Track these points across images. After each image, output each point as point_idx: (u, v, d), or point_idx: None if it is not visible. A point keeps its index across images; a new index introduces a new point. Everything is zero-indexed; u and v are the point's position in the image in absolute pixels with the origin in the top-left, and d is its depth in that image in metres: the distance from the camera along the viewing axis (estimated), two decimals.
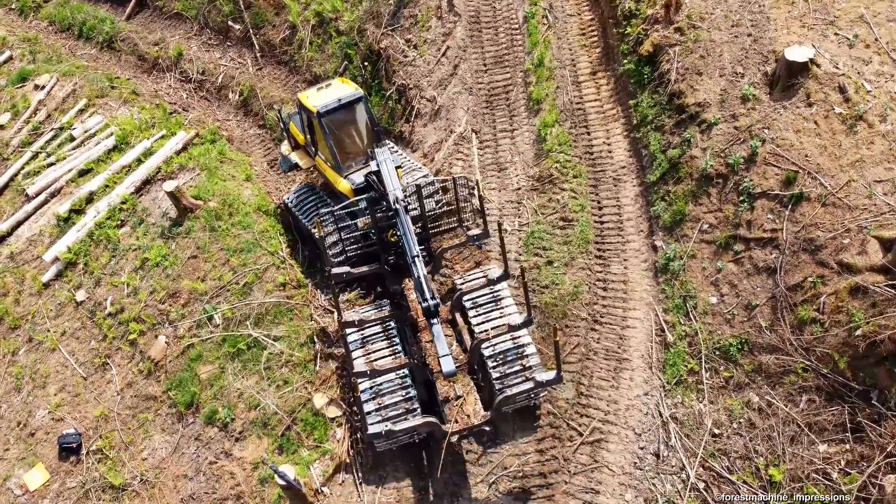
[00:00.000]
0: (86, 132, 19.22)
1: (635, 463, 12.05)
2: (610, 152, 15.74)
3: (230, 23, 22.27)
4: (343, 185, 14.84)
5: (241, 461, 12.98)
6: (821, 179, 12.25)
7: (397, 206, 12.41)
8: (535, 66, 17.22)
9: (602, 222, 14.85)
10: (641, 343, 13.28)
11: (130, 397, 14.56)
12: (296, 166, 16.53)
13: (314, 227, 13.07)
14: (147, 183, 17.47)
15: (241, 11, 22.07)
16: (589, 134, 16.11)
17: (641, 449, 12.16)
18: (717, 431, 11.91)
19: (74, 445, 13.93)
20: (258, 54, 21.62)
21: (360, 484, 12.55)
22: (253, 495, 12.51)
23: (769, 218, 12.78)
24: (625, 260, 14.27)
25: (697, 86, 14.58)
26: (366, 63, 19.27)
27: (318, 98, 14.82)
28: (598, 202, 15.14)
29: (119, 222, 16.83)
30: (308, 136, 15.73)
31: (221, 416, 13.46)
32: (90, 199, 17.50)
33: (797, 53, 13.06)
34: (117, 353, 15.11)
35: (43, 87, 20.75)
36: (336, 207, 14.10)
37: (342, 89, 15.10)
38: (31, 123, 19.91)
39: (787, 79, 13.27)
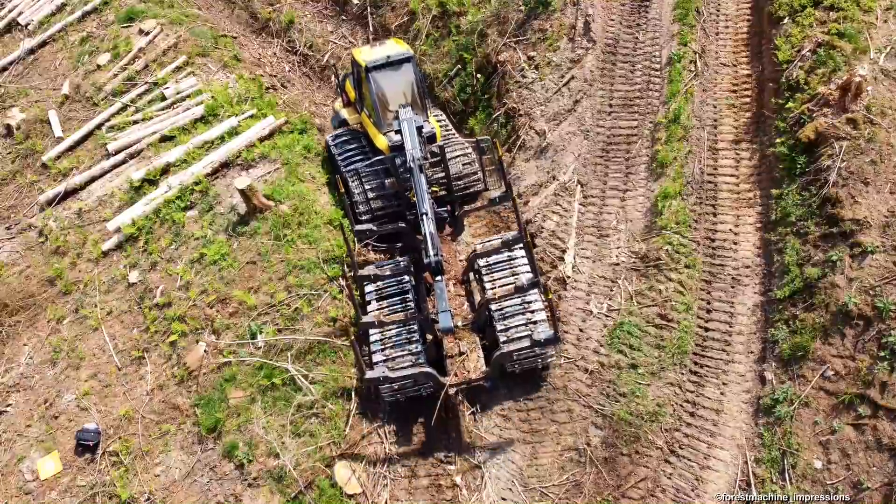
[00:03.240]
0: (178, 94, 18.25)
1: None
2: (735, 245, 13.39)
3: None
4: (381, 140, 14.99)
5: None
6: None
7: (412, 164, 13.00)
8: (669, 120, 14.84)
9: (707, 330, 12.66)
10: (720, 491, 11.22)
11: (158, 402, 13.71)
12: (344, 122, 16.85)
13: (344, 174, 14.73)
14: (225, 166, 16.36)
15: None
16: (715, 216, 13.77)
17: None
18: None
19: (91, 444, 13.26)
20: (370, 36, 20.00)
21: None
22: None
23: None
24: (724, 384, 12.10)
25: (860, 198, 12.00)
26: (479, 74, 17.33)
27: (369, 54, 15.16)
28: (708, 304, 12.92)
29: (188, 203, 15.85)
30: (357, 92, 16.04)
31: (240, 454, 12.40)
32: (166, 169, 16.60)
33: None
34: (155, 350, 14.26)
35: (147, 34, 19.89)
36: (361, 165, 15.05)
37: (394, 48, 15.37)
38: (127, 71, 19.11)
39: None
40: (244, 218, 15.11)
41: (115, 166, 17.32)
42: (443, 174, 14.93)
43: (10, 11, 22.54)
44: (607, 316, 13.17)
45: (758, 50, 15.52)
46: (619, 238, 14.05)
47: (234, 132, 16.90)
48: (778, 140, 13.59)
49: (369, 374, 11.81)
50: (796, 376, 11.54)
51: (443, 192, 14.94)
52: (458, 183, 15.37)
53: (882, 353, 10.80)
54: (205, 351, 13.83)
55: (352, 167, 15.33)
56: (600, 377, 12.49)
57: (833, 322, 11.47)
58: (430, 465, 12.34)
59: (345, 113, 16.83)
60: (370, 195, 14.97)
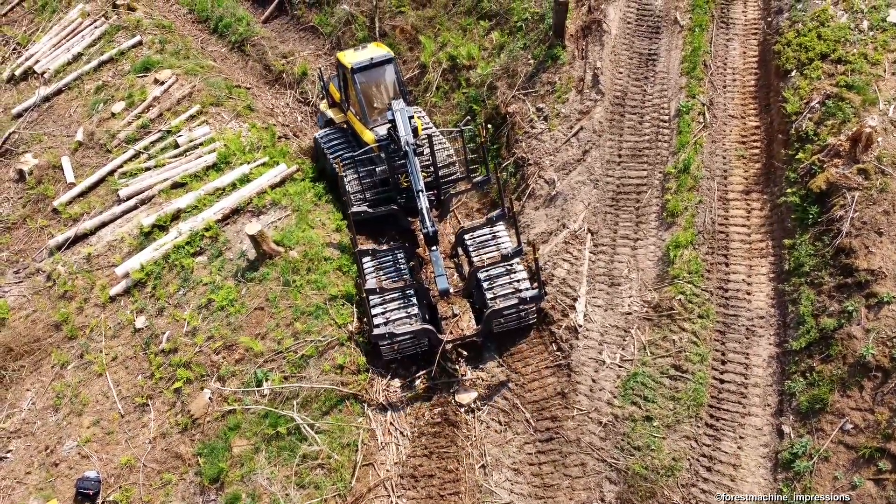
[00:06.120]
0: (191, 142, 18.45)
1: None
2: (748, 295, 13.23)
3: None
4: (368, 135, 16.08)
5: None
6: None
7: (407, 148, 14.08)
8: (679, 170, 14.88)
9: (722, 381, 12.40)
10: None
11: (160, 450, 13.43)
12: (330, 121, 17.97)
13: (336, 164, 15.36)
14: (236, 212, 16.43)
15: (374, 39, 20.83)
16: (727, 266, 13.66)
17: None
18: None
19: (91, 493, 12.93)
20: None
21: None
22: None
23: None
24: (741, 437, 11.78)
25: (874, 248, 11.90)
26: (489, 125, 17.49)
27: (353, 56, 16.28)
28: (723, 355, 12.69)
29: (198, 249, 15.84)
30: (343, 93, 17.14)
31: None
32: (176, 215, 16.65)
33: None
34: (159, 397, 14.05)
35: (162, 83, 20.24)
36: (356, 153, 15.96)
37: (375, 51, 16.51)
38: (141, 119, 19.37)
39: None
40: (253, 264, 15.07)
41: (126, 212, 17.40)
42: (429, 161, 15.79)
43: (27, 60, 23.02)
44: (620, 366, 12.94)
45: (766, 102, 15.67)
46: (631, 287, 13.91)
47: (245, 179, 17.02)
48: (789, 190, 13.58)
49: (376, 331, 13.05)
50: (815, 430, 11.24)
51: (429, 179, 15.78)
52: (441, 171, 16.11)
53: None
54: (210, 398, 13.62)
55: (345, 157, 16.16)
56: (614, 430, 12.19)
57: (851, 374, 11.23)
58: None
59: (331, 113, 18.00)
60: (363, 181, 15.79)
